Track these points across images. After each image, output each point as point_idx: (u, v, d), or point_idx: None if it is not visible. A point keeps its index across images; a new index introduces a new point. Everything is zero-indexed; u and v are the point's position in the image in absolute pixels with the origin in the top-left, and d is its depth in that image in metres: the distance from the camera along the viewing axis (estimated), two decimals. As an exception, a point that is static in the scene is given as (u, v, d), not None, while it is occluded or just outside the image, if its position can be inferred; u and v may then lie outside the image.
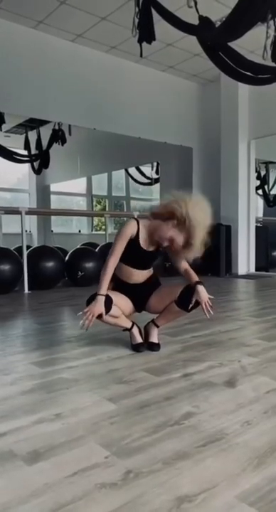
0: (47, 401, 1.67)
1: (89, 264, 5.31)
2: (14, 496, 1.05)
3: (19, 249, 5.09)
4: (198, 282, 2.21)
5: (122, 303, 2.29)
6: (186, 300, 2.22)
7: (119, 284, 2.32)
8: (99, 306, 2.12)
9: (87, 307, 2.13)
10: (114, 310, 2.21)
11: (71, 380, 1.91)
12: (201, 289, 2.18)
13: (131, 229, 2.21)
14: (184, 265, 2.30)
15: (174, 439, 1.33)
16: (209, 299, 2.19)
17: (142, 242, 2.24)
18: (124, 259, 2.24)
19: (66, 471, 1.16)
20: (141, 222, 2.25)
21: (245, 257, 6.92)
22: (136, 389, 1.78)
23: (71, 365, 2.13)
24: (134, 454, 1.24)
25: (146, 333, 2.44)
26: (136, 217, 2.34)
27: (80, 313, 2.13)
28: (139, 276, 2.32)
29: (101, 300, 2.13)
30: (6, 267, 4.68)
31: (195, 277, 2.24)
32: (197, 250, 2.16)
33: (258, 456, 1.22)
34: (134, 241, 2.22)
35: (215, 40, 3.34)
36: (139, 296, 2.35)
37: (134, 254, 2.25)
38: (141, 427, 1.42)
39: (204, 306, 2.17)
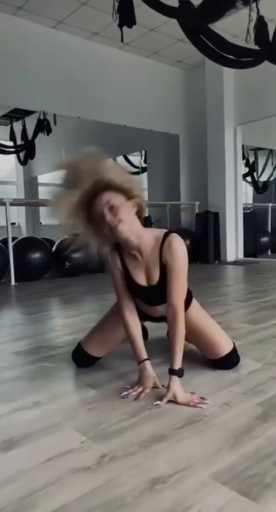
0: (27, 389, 1.66)
1: (76, 255, 5.27)
2: (-13, 484, 1.04)
3: (5, 241, 5.04)
4: (171, 371, 1.51)
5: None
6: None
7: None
8: (144, 380, 1.58)
9: (135, 386, 1.57)
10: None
11: (53, 368, 1.90)
12: (173, 385, 1.48)
13: (112, 259, 1.67)
14: (173, 299, 1.53)
15: (152, 423, 1.33)
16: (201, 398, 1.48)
17: (133, 270, 1.63)
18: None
19: (41, 457, 1.15)
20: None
21: (234, 244, 6.92)
22: (118, 374, 1.77)
23: (54, 353, 2.12)
24: (111, 438, 1.24)
25: None
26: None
27: (125, 393, 1.54)
28: (156, 311, 1.75)
29: (143, 371, 1.60)
30: (-8, 260, 4.63)
31: (172, 354, 1.53)
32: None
33: (235, 436, 1.22)
34: (125, 274, 1.66)
35: (194, 22, 3.29)
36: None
37: (134, 291, 1.68)
38: (119, 412, 1.41)
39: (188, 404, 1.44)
